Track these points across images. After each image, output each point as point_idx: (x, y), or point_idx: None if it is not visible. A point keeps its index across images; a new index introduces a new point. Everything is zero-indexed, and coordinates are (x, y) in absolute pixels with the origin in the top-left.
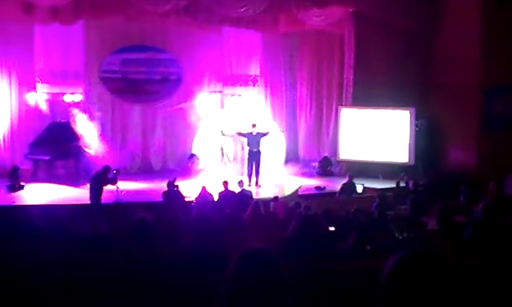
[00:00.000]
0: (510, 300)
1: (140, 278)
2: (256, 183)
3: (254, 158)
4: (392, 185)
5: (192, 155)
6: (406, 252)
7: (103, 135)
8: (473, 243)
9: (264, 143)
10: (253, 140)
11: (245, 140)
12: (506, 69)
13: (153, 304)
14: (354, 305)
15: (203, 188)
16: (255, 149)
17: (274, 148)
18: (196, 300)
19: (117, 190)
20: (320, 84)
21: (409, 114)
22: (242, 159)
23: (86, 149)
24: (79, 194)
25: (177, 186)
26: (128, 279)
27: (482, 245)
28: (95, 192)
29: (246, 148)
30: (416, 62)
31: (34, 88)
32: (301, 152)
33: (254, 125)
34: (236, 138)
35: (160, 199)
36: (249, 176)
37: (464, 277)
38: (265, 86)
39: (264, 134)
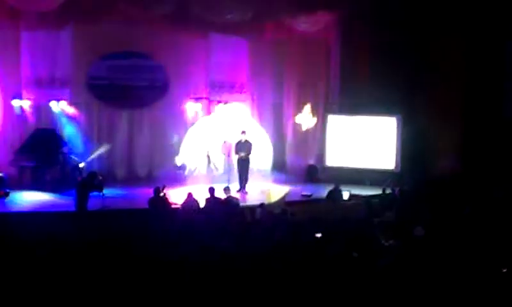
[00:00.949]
0: None
1: None
2: (243, 190)
3: (243, 165)
4: (379, 191)
5: (179, 163)
6: None
7: (89, 141)
8: None
9: (252, 150)
10: (243, 147)
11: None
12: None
13: None
14: None
15: (189, 194)
16: (243, 156)
17: (261, 154)
18: None
19: (103, 197)
20: (306, 91)
21: (395, 121)
22: (229, 166)
23: (71, 156)
24: (64, 201)
25: (164, 193)
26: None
27: None
28: (81, 198)
29: (235, 156)
30: (403, 70)
31: (20, 94)
32: (288, 159)
33: (243, 132)
34: (225, 145)
35: (146, 206)
36: (240, 182)
37: None
38: (252, 93)
39: (250, 146)
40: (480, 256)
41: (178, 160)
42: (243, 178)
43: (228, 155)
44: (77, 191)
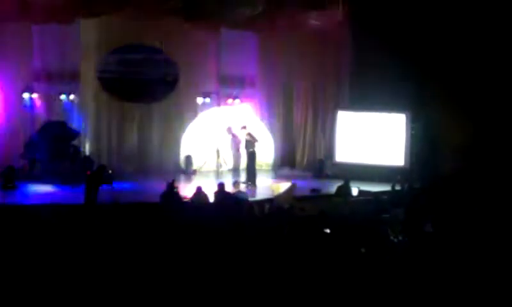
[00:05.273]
0: None
1: None
2: (253, 184)
3: (251, 159)
4: (388, 188)
5: (189, 156)
6: None
7: (98, 135)
8: None
9: (260, 145)
10: (248, 142)
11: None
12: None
13: None
14: None
15: (199, 188)
16: (251, 150)
17: (269, 150)
18: None
19: (112, 190)
20: (317, 87)
21: (405, 118)
22: (238, 160)
23: (81, 149)
24: (74, 194)
25: (177, 187)
26: None
27: None
28: (90, 191)
29: (243, 150)
30: (413, 67)
31: (30, 87)
32: (297, 154)
33: (244, 127)
34: (234, 140)
35: (155, 199)
36: (248, 177)
37: None
38: (262, 88)
39: (255, 140)
40: (487, 254)
41: (188, 155)
42: (252, 173)
43: (237, 150)
44: (86, 184)
